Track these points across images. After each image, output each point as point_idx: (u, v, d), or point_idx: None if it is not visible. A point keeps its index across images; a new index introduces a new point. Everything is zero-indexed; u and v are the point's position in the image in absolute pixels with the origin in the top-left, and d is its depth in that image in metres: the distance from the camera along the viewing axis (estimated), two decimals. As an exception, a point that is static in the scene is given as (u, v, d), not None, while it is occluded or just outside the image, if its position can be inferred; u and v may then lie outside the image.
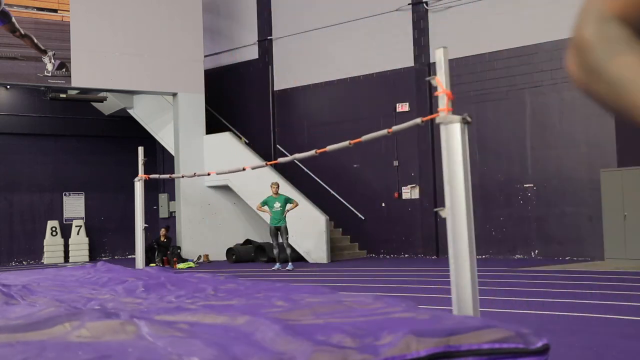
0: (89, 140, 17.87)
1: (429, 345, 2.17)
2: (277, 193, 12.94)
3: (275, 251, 12.95)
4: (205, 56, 16.74)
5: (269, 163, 5.24)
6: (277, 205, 12.80)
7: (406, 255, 14.62)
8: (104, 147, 18.01)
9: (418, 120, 3.39)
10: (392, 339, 2.36)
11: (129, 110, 16.17)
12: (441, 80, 3.11)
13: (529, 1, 13.05)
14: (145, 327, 2.75)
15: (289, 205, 12.88)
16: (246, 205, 15.66)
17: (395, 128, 3.50)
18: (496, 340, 2.19)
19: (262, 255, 14.83)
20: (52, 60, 13.90)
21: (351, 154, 15.56)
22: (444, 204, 3.09)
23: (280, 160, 4.70)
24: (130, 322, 3.05)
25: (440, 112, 3.11)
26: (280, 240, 12.90)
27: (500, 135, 13.44)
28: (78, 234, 17.30)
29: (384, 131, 3.45)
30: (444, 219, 3.08)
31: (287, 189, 14.72)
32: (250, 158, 14.98)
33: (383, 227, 14.94)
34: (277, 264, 12.84)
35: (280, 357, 2.11)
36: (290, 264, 12.76)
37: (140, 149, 6.46)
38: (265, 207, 12.95)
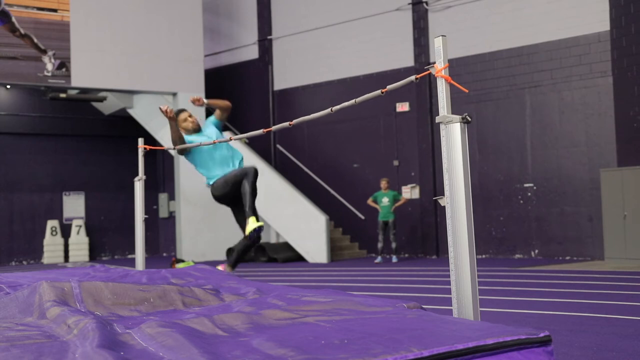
0: (89, 140, 17.88)
1: (431, 346, 2.18)
2: (386, 189, 13.50)
3: (380, 245, 13.51)
4: (205, 56, 16.75)
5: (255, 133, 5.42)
6: (386, 200, 13.44)
7: (406, 255, 14.62)
8: (104, 147, 18.02)
9: (412, 77, 3.39)
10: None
11: (128, 110, 16.18)
12: (440, 68, 3.10)
13: (529, 1, 13.05)
14: (139, 332, 2.74)
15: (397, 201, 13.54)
16: (246, 205, 15.65)
17: (390, 86, 3.51)
18: (499, 335, 2.22)
19: (262, 255, 14.84)
20: (52, 60, 13.90)
21: (351, 154, 15.57)
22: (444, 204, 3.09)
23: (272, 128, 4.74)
24: (124, 329, 3.05)
25: (440, 104, 3.11)
26: (387, 234, 13.57)
27: (500, 135, 13.44)
28: (78, 233, 17.30)
29: (378, 92, 3.48)
30: (444, 219, 3.09)
31: (287, 188, 14.73)
32: (249, 157, 14.98)
33: (383, 227, 14.93)
34: (379, 257, 13.41)
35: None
36: (394, 256, 13.41)
37: (141, 140, 6.45)
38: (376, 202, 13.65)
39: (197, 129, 6.06)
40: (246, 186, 5.92)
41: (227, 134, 15.88)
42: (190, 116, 6.08)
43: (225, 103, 6.23)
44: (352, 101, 3.77)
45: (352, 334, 2.49)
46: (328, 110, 3.98)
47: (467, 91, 3.35)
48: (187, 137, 6.09)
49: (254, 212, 6.07)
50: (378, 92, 3.54)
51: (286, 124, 4.37)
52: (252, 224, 6.03)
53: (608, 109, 12.13)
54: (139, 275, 4.98)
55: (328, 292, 3.66)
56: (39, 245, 17.00)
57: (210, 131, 6.15)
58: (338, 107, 3.90)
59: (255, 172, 5.97)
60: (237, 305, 3.47)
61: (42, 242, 16.97)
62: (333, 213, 15.55)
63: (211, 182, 6.10)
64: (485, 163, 13.60)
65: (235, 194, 6.10)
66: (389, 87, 3.54)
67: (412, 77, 3.36)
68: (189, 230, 15.62)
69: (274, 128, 4.68)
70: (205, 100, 5.96)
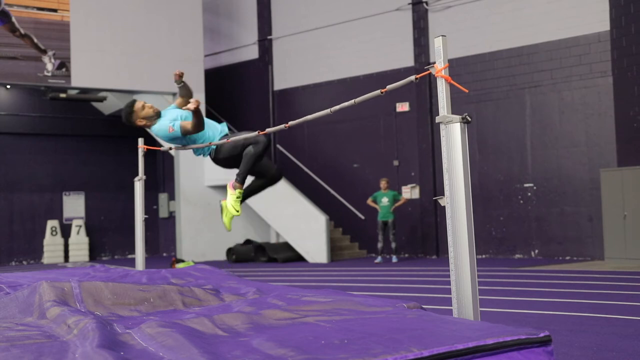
0: (89, 140, 17.87)
1: (431, 346, 2.18)
2: (386, 189, 13.52)
3: (380, 245, 13.55)
4: (205, 56, 16.74)
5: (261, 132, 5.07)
6: (385, 200, 13.46)
7: (406, 255, 14.62)
8: (104, 147, 18.02)
9: (412, 77, 3.38)
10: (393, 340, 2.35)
11: (129, 110, 16.15)
12: (440, 68, 3.10)
13: (529, 1, 13.05)
14: (139, 332, 2.73)
15: (397, 201, 13.56)
16: (246, 205, 15.66)
17: (390, 86, 3.50)
18: (499, 335, 2.22)
19: (262, 255, 14.84)
20: (52, 60, 13.90)
21: (351, 154, 15.57)
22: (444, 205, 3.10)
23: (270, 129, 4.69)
24: (124, 329, 3.04)
25: (440, 102, 3.11)
26: (386, 234, 13.59)
27: (500, 135, 13.44)
28: (78, 233, 17.30)
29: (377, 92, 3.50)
30: (444, 219, 3.09)
31: (287, 188, 14.73)
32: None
33: (383, 227, 14.93)
34: (379, 257, 13.43)
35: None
36: (394, 256, 13.44)
37: (141, 140, 6.45)
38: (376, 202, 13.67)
39: (158, 114, 5.72)
40: (251, 150, 5.35)
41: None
42: (145, 103, 5.72)
43: (191, 92, 5.91)
44: (352, 101, 3.77)
45: (352, 334, 2.49)
46: (327, 110, 3.97)
47: (467, 91, 3.35)
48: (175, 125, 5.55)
49: (243, 181, 5.45)
50: (378, 92, 3.54)
51: (282, 126, 4.37)
52: (231, 201, 5.40)
53: (608, 109, 12.13)
54: (139, 275, 4.98)
55: (328, 292, 3.66)
56: (39, 245, 17.00)
57: (175, 113, 5.57)
58: (337, 107, 3.90)
59: (267, 143, 5.40)
60: (237, 305, 3.47)
61: (42, 242, 16.96)
62: (333, 213, 15.54)
63: (214, 147, 5.55)
64: (485, 163, 13.59)
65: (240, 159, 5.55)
66: (388, 87, 3.54)
67: (412, 77, 3.36)
68: (189, 230, 15.62)
69: (268, 130, 4.67)
70: (183, 80, 5.71)
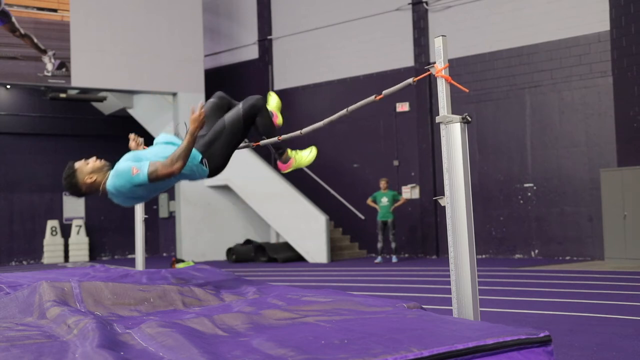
0: (89, 140, 17.87)
1: (431, 346, 2.18)
2: (385, 189, 13.53)
3: (379, 245, 13.56)
4: (205, 56, 16.74)
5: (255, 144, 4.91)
6: (385, 200, 13.48)
7: (406, 255, 14.62)
8: (104, 147, 17.97)
9: (410, 80, 3.39)
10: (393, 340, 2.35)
11: (128, 110, 16.18)
12: (440, 68, 3.10)
13: (529, 1, 13.05)
14: (139, 332, 2.73)
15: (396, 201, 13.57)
16: (246, 205, 15.67)
17: (386, 91, 3.50)
18: (499, 335, 2.22)
19: (262, 255, 14.83)
20: (52, 60, 13.89)
21: (351, 154, 15.57)
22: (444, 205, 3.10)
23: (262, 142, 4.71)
24: (124, 329, 3.04)
25: (440, 103, 3.11)
26: (386, 234, 13.62)
27: (500, 135, 13.44)
28: (78, 233, 17.30)
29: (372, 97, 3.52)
30: (444, 219, 3.09)
31: (287, 188, 14.74)
32: (250, 158, 14.99)
33: (383, 227, 14.92)
34: (379, 257, 13.43)
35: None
36: (394, 256, 13.46)
37: (141, 140, 6.41)
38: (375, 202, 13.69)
39: (110, 166, 4.41)
40: (258, 120, 4.65)
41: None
42: (87, 159, 4.40)
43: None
44: (344, 111, 3.79)
45: (352, 334, 2.49)
46: (323, 122, 4.00)
47: (467, 91, 3.35)
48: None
49: (285, 148, 5.05)
50: (372, 97, 3.55)
51: (275, 139, 4.44)
52: (303, 162, 5.17)
53: (608, 109, 12.13)
54: (139, 275, 4.97)
55: (328, 292, 3.66)
56: (39, 245, 17.00)
57: (135, 154, 4.36)
58: (327, 120, 3.92)
59: (259, 100, 4.63)
60: (237, 305, 3.46)
61: (42, 242, 16.97)
62: (333, 213, 15.54)
63: (200, 158, 4.28)
64: (485, 163, 13.59)
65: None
66: (384, 92, 3.55)
67: (410, 80, 3.35)
68: (189, 230, 15.62)
69: (262, 143, 4.70)
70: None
